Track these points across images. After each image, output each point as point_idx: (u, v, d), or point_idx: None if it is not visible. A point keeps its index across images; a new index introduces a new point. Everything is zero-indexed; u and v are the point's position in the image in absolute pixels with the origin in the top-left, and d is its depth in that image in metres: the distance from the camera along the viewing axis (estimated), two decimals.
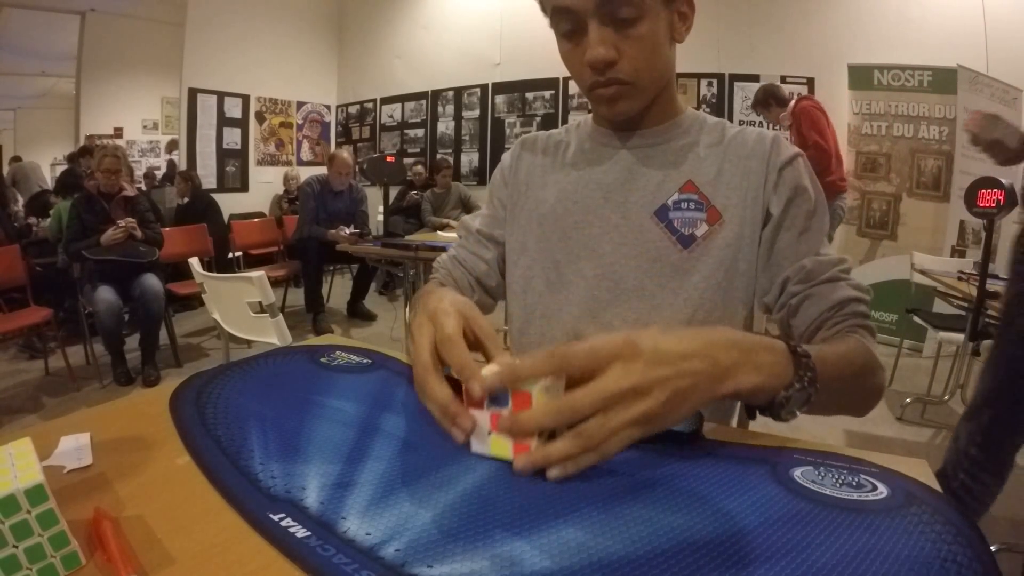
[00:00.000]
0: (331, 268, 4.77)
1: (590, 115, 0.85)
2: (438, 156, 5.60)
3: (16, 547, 0.35)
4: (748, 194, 0.73)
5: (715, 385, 0.45)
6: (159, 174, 6.86)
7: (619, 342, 0.43)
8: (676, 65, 0.76)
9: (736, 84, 4.45)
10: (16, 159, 7.55)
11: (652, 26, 0.66)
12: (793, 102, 3.51)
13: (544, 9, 0.70)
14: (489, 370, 0.47)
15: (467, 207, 4.85)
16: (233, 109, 5.77)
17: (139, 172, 6.72)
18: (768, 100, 3.53)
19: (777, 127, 3.55)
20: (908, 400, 2.71)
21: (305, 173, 5.18)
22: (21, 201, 5.69)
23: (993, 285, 1.92)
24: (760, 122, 4.08)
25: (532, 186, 0.86)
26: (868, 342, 0.63)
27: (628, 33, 0.66)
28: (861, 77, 3.80)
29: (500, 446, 0.48)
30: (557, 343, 0.79)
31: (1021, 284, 1.23)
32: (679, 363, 0.44)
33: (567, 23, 0.68)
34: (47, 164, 7.99)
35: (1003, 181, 1.87)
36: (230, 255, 4.65)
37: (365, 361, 0.76)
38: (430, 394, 0.51)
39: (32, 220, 4.78)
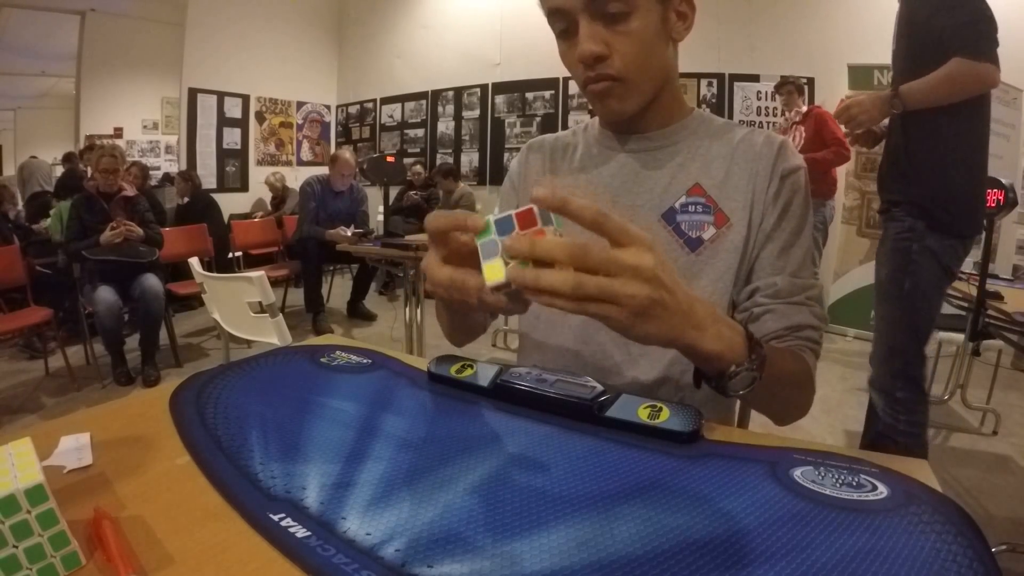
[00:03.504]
0: (331, 268, 4.77)
1: (597, 118, 0.85)
2: (440, 161, 5.60)
3: (16, 547, 0.35)
4: (754, 197, 0.73)
5: (685, 328, 0.47)
6: (157, 175, 6.84)
7: (646, 236, 0.44)
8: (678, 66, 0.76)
9: (736, 84, 4.45)
10: (33, 158, 7.53)
11: (643, 22, 0.66)
12: (806, 107, 3.65)
13: (544, 12, 0.71)
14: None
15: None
16: (233, 109, 5.77)
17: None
18: (791, 87, 3.67)
19: (790, 115, 3.66)
20: None
21: (303, 173, 5.18)
22: (20, 200, 5.68)
23: (993, 285, 1.92)
24: (774, 110, 4.20)
25: None
26: (811, 363, 0.68)
27: (618, 29, 0.66)
28: (861, 77, 3.80)
29: (494, 270, 0.45)
30: (564, 347, 0.79)
31: (895, 262, 1.58)
32: (669, 300, 0.45)
33: (561, 22, 0.69)
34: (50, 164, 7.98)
35: (1003, 181, 1.87)
36: (230, 255, 4.65)
37: (365, 361, 0.76)
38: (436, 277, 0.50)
39: (22, 213, 4.76)
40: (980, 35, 1.44)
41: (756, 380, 0.53)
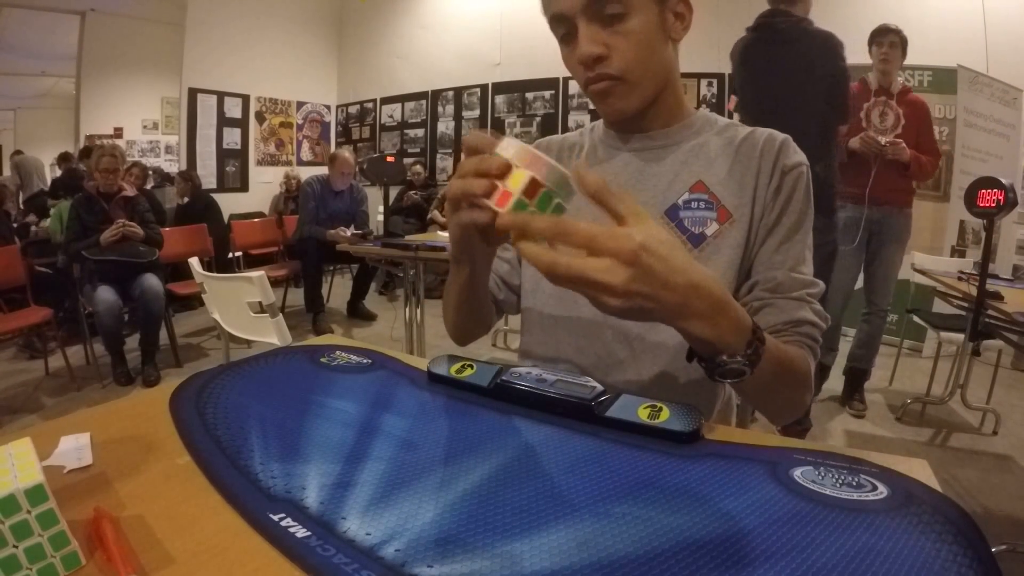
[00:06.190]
0: (331, 268, 4.77)
1: (603, 119, 0.86)
2: (439, 162, 5.60)
3: (16, 547, 0.35)
4: (756, 193, 0.74)
5: (673, 318, 0.48)
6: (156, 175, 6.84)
7: (625, 248, 0.43)
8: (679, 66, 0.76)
9: None
10: (18, 152, 7.51)
11: (641, 22, 0.67)
12: (901, 87, 2.83)
13: (546, 18, 0.72)
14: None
15: None
16: (233, 109, 5.77)
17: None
18: (895, 37, 2.86)
19: (883, 81, 2.89)
20: (908, 400, 2.71)
21: (305, 173, 5.18)
22: (21, 197, 5.67)
23: (993, 285, 1.92)
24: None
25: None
26: (810, 361, 0.68)
27: (617, 29, 0.67)
28: (856, 76, 3.79)
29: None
30: (565, 343, 0.79)
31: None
32: (658, 290, 0.44)
33: (562, 27, 0.70)
34: (47, 164, 7.99)
35: (1003, 181, 1.87)
36: (230, 255, 4.65)
37: (365, 361, 0.76)
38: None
39: (32, 219, 4.76)
40: None
41: (745, 375, 0.53)
